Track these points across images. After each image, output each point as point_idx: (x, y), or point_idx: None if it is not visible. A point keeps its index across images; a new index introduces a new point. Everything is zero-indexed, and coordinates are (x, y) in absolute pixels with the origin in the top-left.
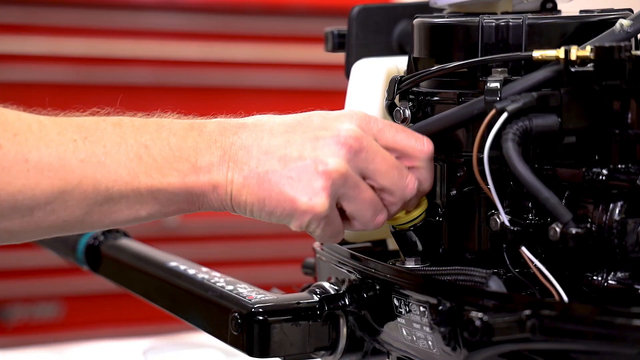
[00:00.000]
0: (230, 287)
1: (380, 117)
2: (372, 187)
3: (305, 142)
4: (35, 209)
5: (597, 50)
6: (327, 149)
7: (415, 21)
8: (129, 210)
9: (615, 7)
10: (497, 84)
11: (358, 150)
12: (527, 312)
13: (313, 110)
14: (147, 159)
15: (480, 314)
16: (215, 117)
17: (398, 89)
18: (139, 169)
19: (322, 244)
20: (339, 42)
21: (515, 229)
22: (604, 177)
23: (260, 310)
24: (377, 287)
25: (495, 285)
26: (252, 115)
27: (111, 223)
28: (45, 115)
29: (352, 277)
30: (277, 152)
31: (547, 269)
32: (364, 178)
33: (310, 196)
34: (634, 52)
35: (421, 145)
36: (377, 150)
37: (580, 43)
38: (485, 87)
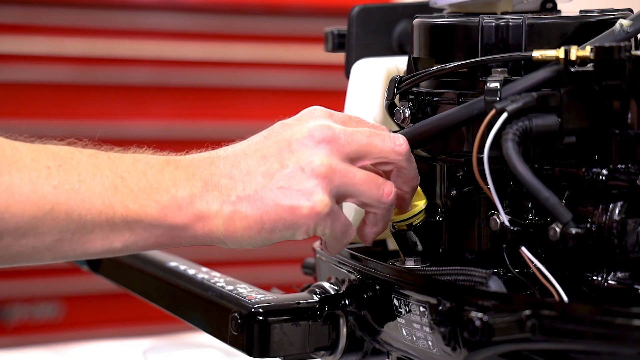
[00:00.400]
0: (230, 287)
1: (381, 117)
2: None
3: (281, 151)
4: (4, 233)
5: (597, 50)
6: (305, 149)
7: (415, 21)
8: (103, 240)
9: (615, 7)
10: (497, 84)
11: (333, 138)
12: (527, 312)
13: None
14: (123, 189)
15: (480, 314)
16: (188, 154)
17: (398, 89)
18: (114, 199)
19: (322, 243)
20: (339, 42)
21: (515, 229)
22: (604, 177)
23: (260, 310)
24: (377, 287)
25: (495, 285)
26: (229, 143)
27: (83, 253)
28: (21, 141)
29: (352, 277)
30: (258, 170)
31: (547, 269)
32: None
33: (308, 197)
34: (633, 52)
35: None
36: (350, 132)
37: (580, 43)
38: (485, 87)
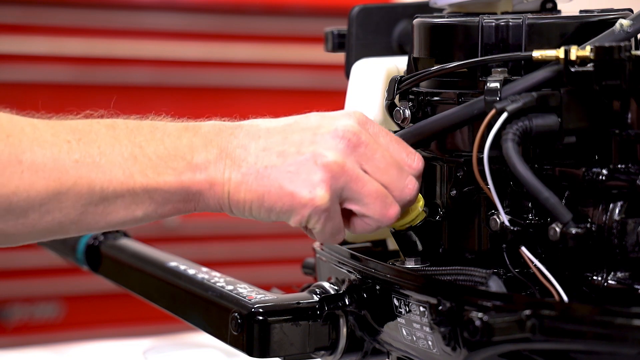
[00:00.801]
0: (230, 287)
1: (380, 117)
2: None
3: (304, 138)
4: (30, 210)
5: (597, 50)
6: (325, 143)
7: (415, 21)
8: (125, 210)
9: (615, 7)
10: (497, 84)
11: (356, 145)
12: (527, 312)
13: (312, 110)
14: (142, 159)
15: (480, 314)
16: (210, 120)
17: (398, 89)
18: (134, 169)
19: (322, 243)
20: (339, 42)
21: (515, 229)
22: (604, 177)
23: (260, 310)
24: (377, 287)
25: (495, 285)
26: (249, 117)
27: (107, 224)
28: (38, 118)
29: (352, 277)
30: (275, 149)
31: (547, 269)
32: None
33: (310, 189)
34: (633, 52)
35: (411, 161)
36: (375, 147)
37: (580, 43)
38: (485, 87)
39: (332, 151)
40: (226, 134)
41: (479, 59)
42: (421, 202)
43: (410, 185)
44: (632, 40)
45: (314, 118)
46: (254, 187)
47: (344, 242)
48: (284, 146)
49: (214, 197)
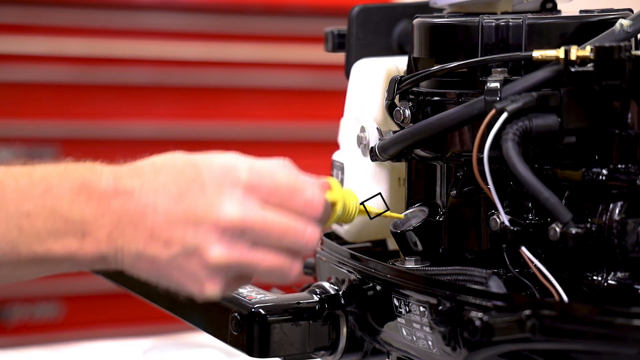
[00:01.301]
0: None
1: (381, 117)
2: None
3: (188, 226)
4: None
5: (597, 50)
6: (209, 237)
7: (415, 21)
8: (9, 277)
9: (615, 7)
10: (497, 84)
11: (242, 231)
12: (527, 312)
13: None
14: (29, 230)
15: (480, 314)
16: (114, 164)
17: (398, 89)
18: (19, 240)
19: (322, 243)
20: (339, 42)
21: (515, 229)
22: (604, 177)
23: (260, 310)
24: (377, 287)
25: (495, 285)
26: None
27: None
28: None
29: (352, 277)
30: (162, 236)
31: (547, 269)
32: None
33: (199, 287)
34: (634, 52)
35: (310, 209)
36: (263, 224)
37: (580, 43)
38: (485, 87)
39: (215, 248)
40: (124, 197)
41: (479, 59)
42: (340, 203)
43: (311, 236)
44: (632, 40)
45: (199, 191)
46: (147, 272)
47: (344, 242)
48: (169, 232)
49: (106, 266)
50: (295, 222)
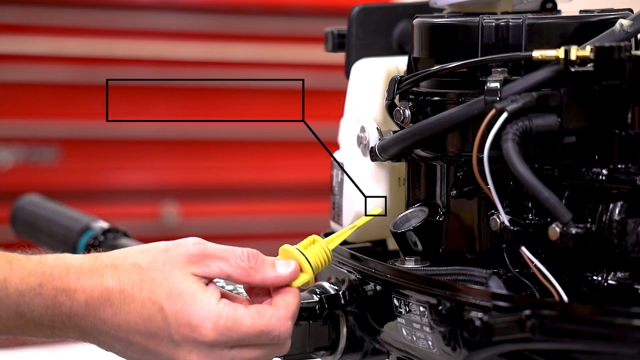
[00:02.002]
0: (230, 287)
1: (380, 117)
2: None
3: None
4: None
5: (597, 50)
6: None
7: (415, 21)
8: None
9: (615, 7)
10: (497, 84)
11: None
12: (527, 312)
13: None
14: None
15: (480, 314)
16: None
17: (398, 89)
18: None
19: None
20: (339, 42)
21: (515, 229)
22: (604, 177)
23: None
24: (377, 287)
25: (495, 285)
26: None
27: None
28: None
29: (352, 277)
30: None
31: (547, 269)
32: None
33: None
34: (634, 52)
35: (278, 347)
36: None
37: (580, 43)
38: (485, 87)
39: None
40: (92, 320)
41: (479, 59)
42: (305, 278)
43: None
44: (632, 40)
45: (168, 348)
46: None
47: (344, 242)
48: (144, 355)
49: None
50: (265, 352)
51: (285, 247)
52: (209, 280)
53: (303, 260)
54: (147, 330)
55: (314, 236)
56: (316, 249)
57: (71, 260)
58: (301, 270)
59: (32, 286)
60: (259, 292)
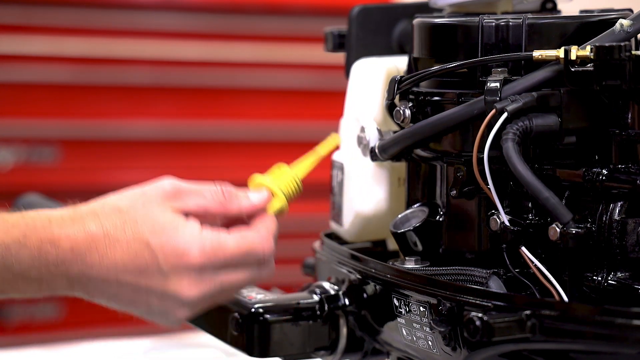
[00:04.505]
0: None
1: (380, 117)
2: None
3: (151, 297)
4: None
5: (597, 50)
6: (174, 304)
7: (415, 21)
8: None
9: (615, 7)
10: (497, 84)
11: (204, 297)
12: (527, 312)
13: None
14: None
15: (480, 314)
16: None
17: (398, 89)
18: None
19: (322, 242)
20: (339, 42)
21: (515, 229)
22: (604, 177)
23: (260, 310)
24: (377, 287)
25: (495, 285)
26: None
27: None
28: None
29: (352, 277)
30: (126, 298)
31: (547, 269)
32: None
33: (169, 323)
34: (634, 52)
35: (266, 268)
36: (221, 286)
37: (580, 43)
38: (485, 87)
39: (182, 309)
40: (79, 268)
41: (479, 59)
42: (278, 203)
43: (270, 272)
44: (632, 40)
45: (159, 279)
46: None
47: (344, 242)
48: (135, 297)
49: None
50: (252, 274)
51: (255, 177)
52: (187, 215)
53: (274, 187)
54: (136, 268)
55: (280, 165)
56: (285, 178)
57: (51, 212)
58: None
59: (17, 238)
60: (236, 226)
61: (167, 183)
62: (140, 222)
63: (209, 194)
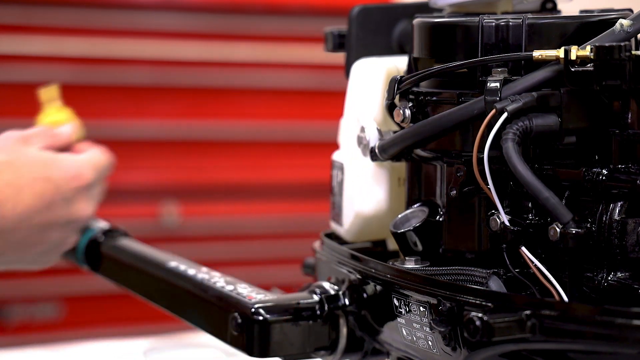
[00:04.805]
0: (230, 287)
1: (380, 117)
2: None
3: (54, 232)
4: None
5: (597, 50)
6: (73, 234)
7: (415, 21)
8: None
9: (615, 7)
10: (497, 84)
11: (93, 213)
12: (527, 312)
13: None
14: None
15: (480, 314)
16: None
17: (398, 89)
18: None
19: (322, 242)
20: (339, 42)
21: (515, 229)
22: (604, 177)
23: (260, 310)
24: (377, 287)
25: (495, 285)
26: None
27: None
28: None
29: (352, 277)
30: (33, 240)
31: (547, 269)
32: None
33: (52, 261)
34: (634, 52)
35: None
36: (98, 199)
37: (580, 43)
38: (485, 87)
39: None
40: None
41: (479, 59)
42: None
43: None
44: (632, 40)
45: (59, 206)
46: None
47: (344, 242)
48: (43, 236)
49: None
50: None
51: (47, 114)
52: None
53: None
54: (44, 205)
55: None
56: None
57: None
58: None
59: None
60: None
61: (12, 134)
62: (30, 164)
63: (43, 134)
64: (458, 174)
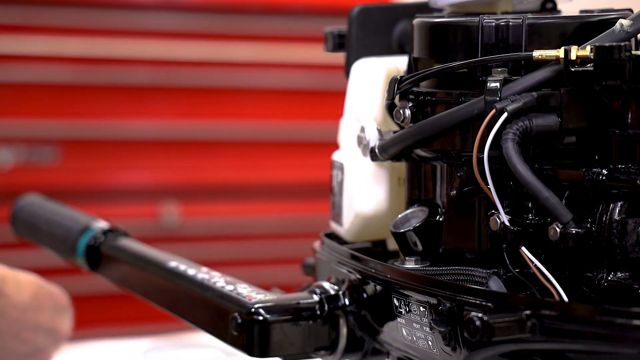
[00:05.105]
0: (230, 287)
1: (380, 117)
2: None
3: None
4: None
5: (597, 50)
6: None
7: (415, 21)
8: None
9: (615, 7)
10: (497, 84)
11: None
12: (527, 312)
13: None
14: None
15: (480, 314)
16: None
17: (398, 89)
18: None
19: (322, 242)
20: (339, 42)
21: (515, 229)
22: (604, 177)
23: (260, 310)
24: (377, 287)
25: (495, 285)
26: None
27: None
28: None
29: (352, 277)
30: None
31: (547, 269)
32: None
33: None
34: (634, 52)
35: None
36: None
37: (580, 43)
38: (485, 87)
39: None
40: None
41: (479, 59)
42: None
43: None
44: (632, 40)
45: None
46: None
47: (344, 242)
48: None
49: None
50: None
51: None
52: None
53: None
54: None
55: None
56: None
57: None
58: None
59: None
60: None
61: None
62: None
63: None
64: (458, 174)
